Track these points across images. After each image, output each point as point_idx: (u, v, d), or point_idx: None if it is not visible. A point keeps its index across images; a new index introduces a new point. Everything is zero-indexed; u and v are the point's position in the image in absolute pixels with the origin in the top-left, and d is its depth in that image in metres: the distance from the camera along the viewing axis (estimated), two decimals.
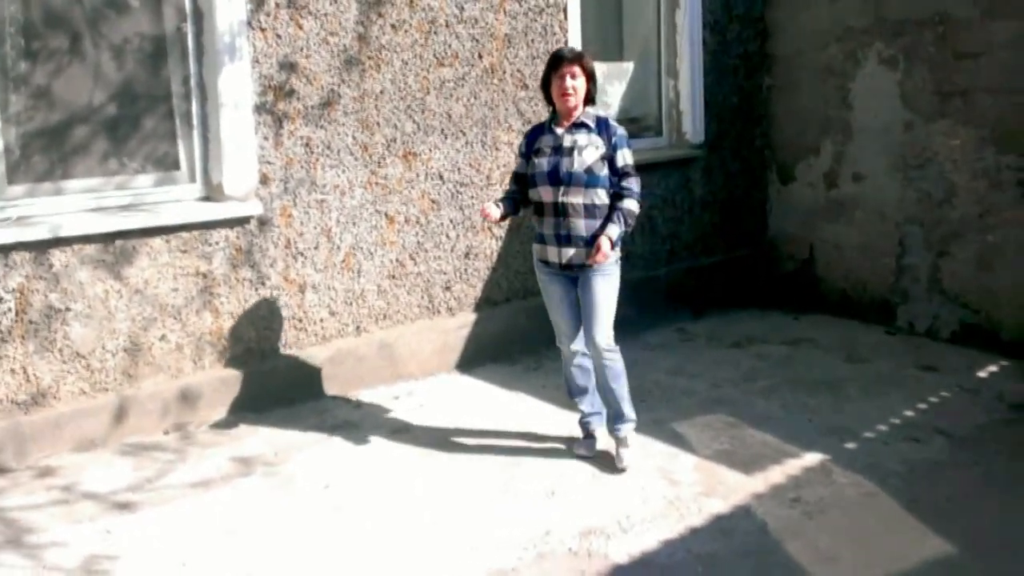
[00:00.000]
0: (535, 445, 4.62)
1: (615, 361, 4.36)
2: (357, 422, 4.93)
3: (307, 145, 5.13)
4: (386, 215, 5.47)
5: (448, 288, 5.78)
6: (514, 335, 5.98)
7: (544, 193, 4.29)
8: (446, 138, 5.67)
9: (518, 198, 4.45)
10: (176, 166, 4.89)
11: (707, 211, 7.09)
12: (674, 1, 6.80)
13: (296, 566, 3.54)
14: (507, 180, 5.90)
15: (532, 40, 5.98)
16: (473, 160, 5.80)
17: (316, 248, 5.23)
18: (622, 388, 4.41)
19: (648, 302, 6.60)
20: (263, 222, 5.01)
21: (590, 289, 4.29)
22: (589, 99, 4.37)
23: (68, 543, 3.67)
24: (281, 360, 5.13)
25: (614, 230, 4.21)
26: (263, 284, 5.05)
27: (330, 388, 5.28)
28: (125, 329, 4.62)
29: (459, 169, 5.75)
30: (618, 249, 4.32)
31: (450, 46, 5.61)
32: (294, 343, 5.19)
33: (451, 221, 5.74)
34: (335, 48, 5.12)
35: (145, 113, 4.79)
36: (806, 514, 3.87)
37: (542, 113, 6.00)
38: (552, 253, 4.32)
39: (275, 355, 5.12)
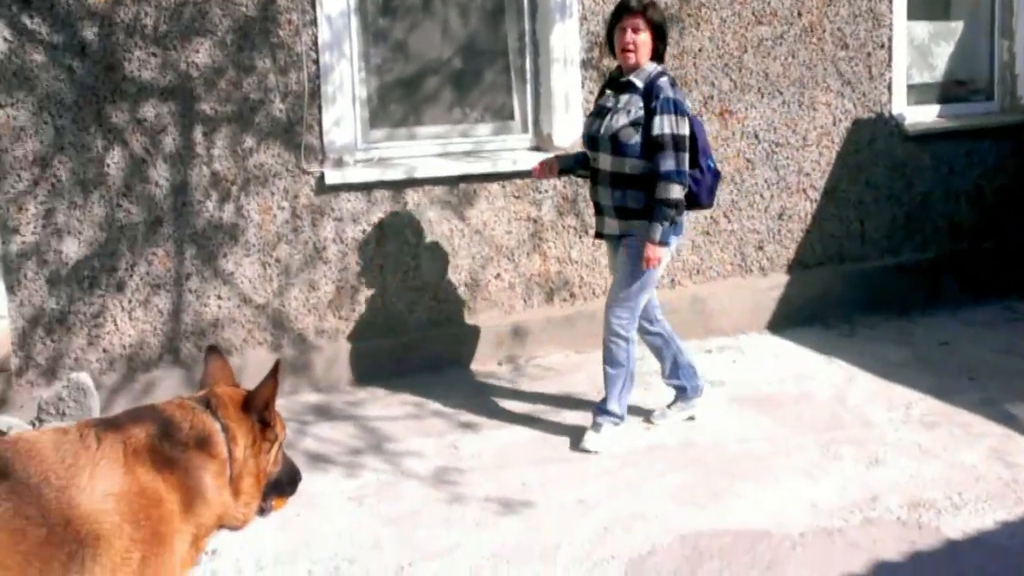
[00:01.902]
0: (850, 413, 4.43)
1: (617, 345, 4.04)
2: None
3: None
4: None
5: (760, 248, 5.71)
6: (828, 299, 5.79)
7: (589, 156, 4.12)
8: (762, 97, 5.60)
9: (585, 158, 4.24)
10: (511, 116, 5.19)
11: None
12: None
13: (629, 492, 3.65)
14: (823, 141, 5.75)
15: None
16: (789, 120, 5.69)
17: None
18: (617, 377, 4.08)
19: (972, 276, 6.15)
20: None
21: (620, 261, 4.05)
22: (656, 56, 4.01)
23: (422, 453, 4.00)
24: (598, 306, 5.28)
25: (655, 231, 3.82)
26: (586, 232, 5.23)
27: None
28: (466, 266, 4.97)
29: (775, 129, 5.65)
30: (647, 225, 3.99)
31: (768, 4, 5.55)
32: None
33: (765, 181, 5.66)
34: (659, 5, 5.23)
35: (485, 67, 5.13)
36: None
37: (862, 75, 5.79)
38: (598, 221, 4.17)
39: (594, 300, 5.29)
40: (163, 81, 4.21)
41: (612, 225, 4.02)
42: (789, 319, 5.70)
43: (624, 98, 3.91)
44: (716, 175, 4.12)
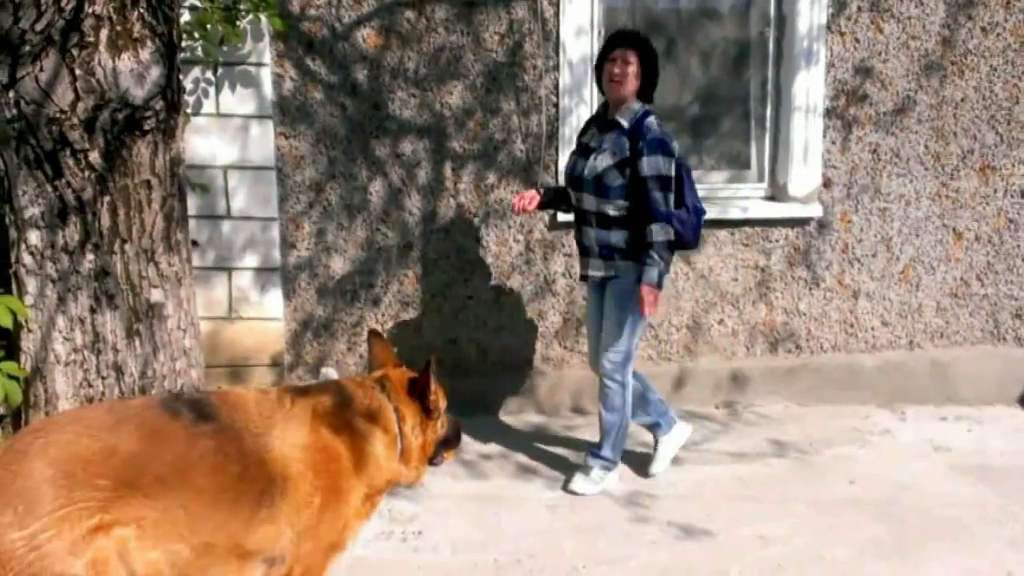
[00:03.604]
0: None
1: (613, 391, 3.90)
2: (897, 432, 4.80)
3: (874, 151, 5.13)
4: (953, 230, 5.20)
5: (1019, 316, 5.28)
6: None
7: (570, 195, 3.94)
8: None
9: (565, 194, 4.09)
10: (746, 165, 5.25)
11: None
12: None
13: (813, 536, 3.57)
14: None
15: None
16: None
17: (874, 256, 5.18)
18: (613, 422, 3.97)
19: None
20: (822, 225, 5.13)
21: (607, 305, 3.85)
22: (645, 93, 3.78)
23: (621, 477, 4.15)
24: (826, 360, 5.17)
25: (650, 273, 3.69)
26: (817, 285, 5.15)
27: (874, 396, 5.16)
28: (689, 309, 5.07)
29: None
30: (634, 266, 3.82)
31: None
32: (842, 346, 5.19)
33: None
34: (915, 52, 5.07)
35: (723, 114, 5.24)
36: None
37: None
38: (581, 262, 3.98)
39: (822, 354, 5.17)
40: (420, 120, 4.75)
41: (596, 266, 3.92)
42: None
43: (609, 137, 3.81)
44: (700, 213, 4.00)
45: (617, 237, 3.83)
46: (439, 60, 4.71)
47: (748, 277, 5.10)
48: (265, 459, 2.21)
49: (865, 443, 4.59)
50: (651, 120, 3.79)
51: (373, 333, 2.74)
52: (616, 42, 3.81)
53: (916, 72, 5.09)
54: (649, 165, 3.69)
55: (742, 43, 5.18)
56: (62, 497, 1.98)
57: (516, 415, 4.95)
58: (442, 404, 2.58)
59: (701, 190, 5.13)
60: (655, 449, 4.23)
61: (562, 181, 4.40)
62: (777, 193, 5.18)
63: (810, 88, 5.04)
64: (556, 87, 4.82)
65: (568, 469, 4.20)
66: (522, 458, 4.36)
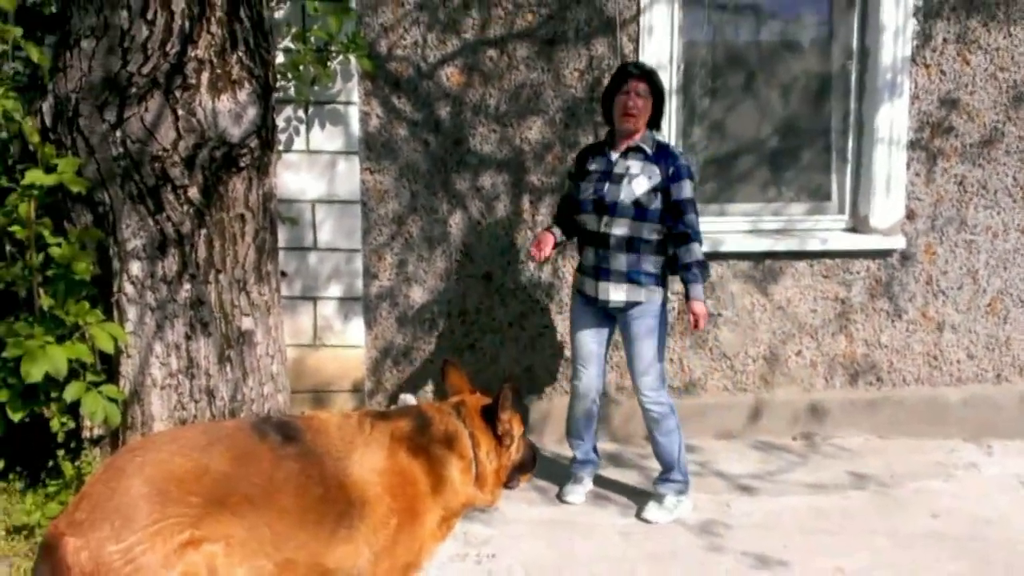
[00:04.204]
0: None
1: (663, 414, 3.98)
2: (982, 466, 4.69)
3: (960, 183, 5.05)
4: None
5: None
6: None
7: (588, 221, 3.90)
8: None
9: (565, 226, 4.11)
10: (827, 197, 5.21)
11: None
12: None
13: (890, 570, 3.52)
14: None
15: None
16: None
17: (959, 288, 5.08)
18: (672, 444, 4.01)
19: None
20: (905, 257, 5.05)
21: (634, 332, 3.87)
22: (654, 122, 3.90)
23: (695, 506, 4.15)
24: (909, 393, 5.07)
25: (699, 289, 3.83)
26: (899, 317, 5.07)
27: (959, 430, 5.05)
28: (766, 340, 5.05)
29: None
30: (660, 291, 3.90)
31: None
32: (926, 379, 5.09)
33: None
34: (1004, 83, 4.98)
35: (804, 147, 5.22)
36: None
37: None
38: (590, 287, 3.94)
39: (904, 387, 5.08)
40: (500, 154, 4.87)
41: (618, 292, 3.90)
42: None
43: (636, 164, 3.90)
44: None
45: (649, 262, 3.91)
46: (519, 96, 4.84)
47: (827, 309, 5.06)
48: (345, 482, 2.32)
49: (949, 477, 4.49)
50: (673, 147, 4.09)
51: (448, 362, 2.84)
52: (627, 75, 3.93)
53: (1004, 103, 5.00)
54: (682, 189, 3.87)
55: (823, 76, 5.17)
56: (156, 513, 2.12)
57: None
58: (516, 430, 2.65)
59: (779, 222, 5.17)
60: (582, 483, 4.31)
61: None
62: (858, 225, 5.12)
63: (894, 120, 4.99)
64: None
65: (641, 496, 4.22)
66: (596, 485, 4.39)
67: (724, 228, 5.12)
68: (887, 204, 5.03)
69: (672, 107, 4.94)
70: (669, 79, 4.87)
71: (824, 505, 4.18)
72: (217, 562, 2.16)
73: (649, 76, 3.93)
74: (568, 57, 4.82)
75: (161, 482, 2.16)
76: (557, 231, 4.12)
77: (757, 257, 5.02)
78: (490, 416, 2.56)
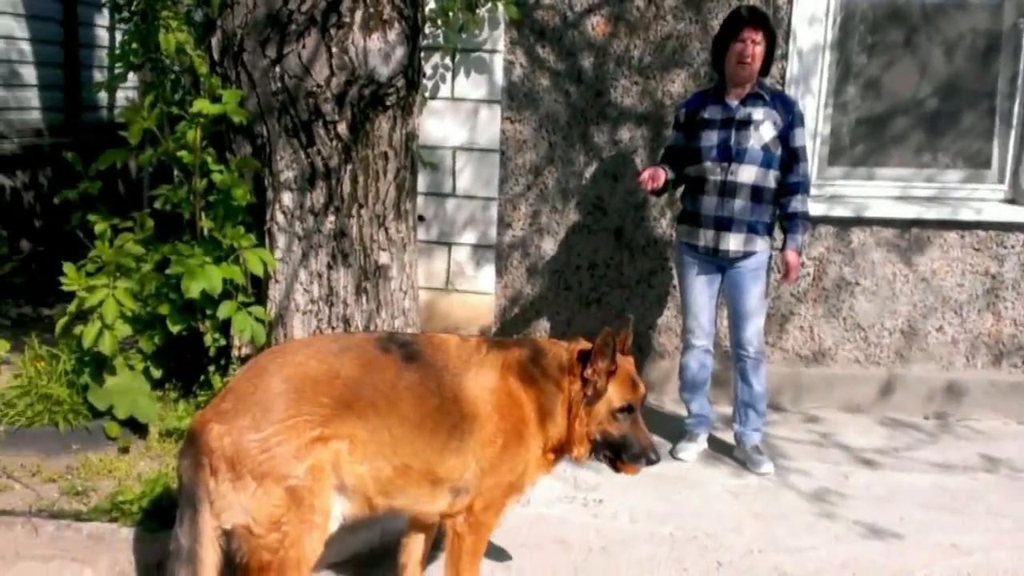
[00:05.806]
0: None
1: (762, 363, 4.09)
2: None
3: None
4: None
5: None
6: None
7: (711, 169, 3.77)
8: None
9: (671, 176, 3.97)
10: (986, 165, 4.95)
11: None
12: None
13: (1012, 552, 3.37)
14: None
15: None
16: None
17: None
18: (764, 390, 4.14)
19: None
20: None
21: (742, 285, 3.82)
22: (765, 69, 3.78)
23: (810, 474, 4.11)
24: None
25: (798, 241, 3.92)
26: None
27: None
28: (905, 312, 4.87)
29: None
30: (770, 240, 3.84)
31: None
32: None
33: None
34: None
35: (964, 110, 4.96)
36: None
37: None
38: (706, 237, 3.82)
39: None
40: (640, 107, 4.86)
41: (738, 241, 3.87)
42: None
43: (758, 110, 3.85)
44: None
45: (767, 212, 3.94)
46: (665, 48, 4.80)
47: (976, 283, 4.82)
48: (459, 396, 2.44)
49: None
50: (786, 93, 4.15)
51: (618, 316, 2.81)
52: (742, 22, 3.90)
53: None
54: (799, 136, 3.92)
55: (992, 33, 4.88)
56: (292, 409, 2.30)
57: (714, 406, 4.93)
58: (613, 389, 2.55)
59: (931, 189, 4.95)
60: (695, 441, 4.34)
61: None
62: (1018, 196, 4.85)
63: None
64: (783, 76, 4.76)
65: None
66: (710, 447, 4.37)
67: (871, 193, 4.95)
68: None
69: (823, 63, 4.79)
70: (824, 33, 4.72)
71: (950, 484, 4.04)
72: (342, 459, 2.33)
73: (764, 22, 3.92)
74: (717, 7, 4.73)
75: (297, 382, 2.34)
76: (668, 170, 4.05)
77: (904, 225, 4.83)
78: (585, 360, 2.56)
